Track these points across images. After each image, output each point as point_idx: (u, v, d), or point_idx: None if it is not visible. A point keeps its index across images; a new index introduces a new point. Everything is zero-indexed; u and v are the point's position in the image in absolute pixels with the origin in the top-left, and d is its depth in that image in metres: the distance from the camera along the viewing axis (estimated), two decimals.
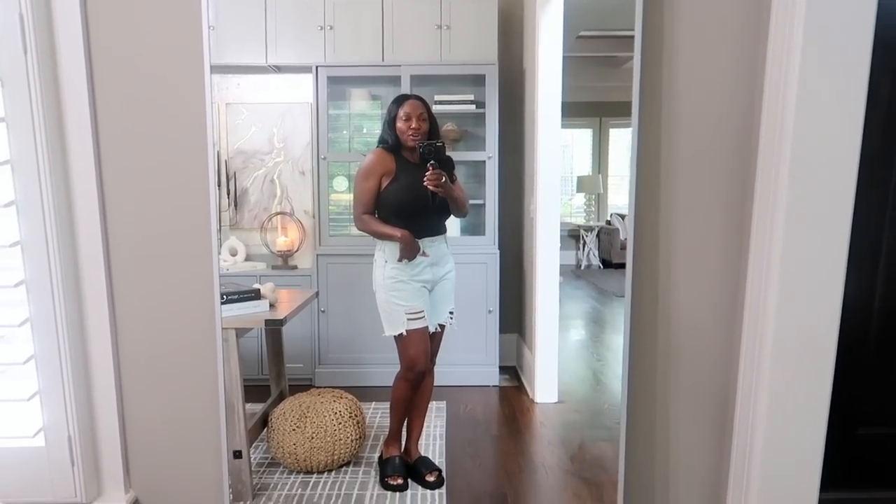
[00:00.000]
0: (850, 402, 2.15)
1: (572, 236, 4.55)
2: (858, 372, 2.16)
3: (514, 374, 3.13)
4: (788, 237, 1.41)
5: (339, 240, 2.97)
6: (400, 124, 2.38)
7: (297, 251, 2.99)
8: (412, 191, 2.34)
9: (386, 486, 2.32)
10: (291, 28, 2.91)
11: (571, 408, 2.89)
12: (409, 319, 2.36)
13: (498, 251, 2.97)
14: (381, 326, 2.41)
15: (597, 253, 4.52)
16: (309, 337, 2.93)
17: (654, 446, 1.64)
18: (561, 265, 2.86)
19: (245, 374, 2.25)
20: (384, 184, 2.38)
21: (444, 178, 2.31)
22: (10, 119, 1.52)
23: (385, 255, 2.40)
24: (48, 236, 1.55)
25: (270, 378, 2.77)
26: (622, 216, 4.64)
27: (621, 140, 5.19)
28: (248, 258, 2.96)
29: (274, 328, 2.65)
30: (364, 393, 2.66)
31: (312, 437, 2.41)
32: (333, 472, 2.44)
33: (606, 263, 4.47)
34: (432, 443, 2.63)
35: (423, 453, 2.51)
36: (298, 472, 2.43)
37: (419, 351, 2.37)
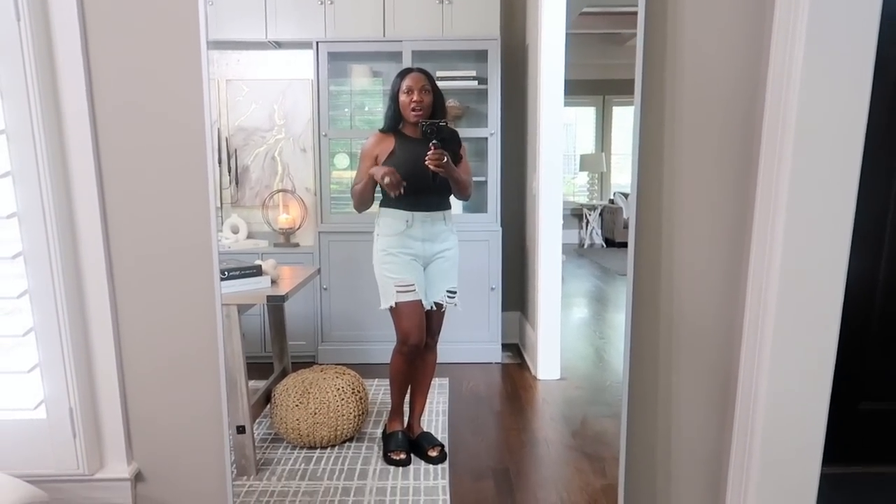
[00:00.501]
0: (853, 377, 2.15)
1: (575, 215, 4.54)
2: (861, 347, 2.16)
3: (516, 351, 3.13)
4: (792, 213, 1.40)
5: (340, 217, 2.96)
6: (402, 97, 2.36)
7: (298, 229, 2.98)
8: (410, 168, 2.32)
9: (389, 460, 2.33)
10: (291, 2, 2.88)
11: (574, 384, 2.89)
12: (398, 292, 2.36)
13: (500, 228, 2.96)
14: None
15: (600, 232, 4.51)
16: (311, 314, 2.94)
17: (655, 422, 1.64)
18: (564, 244, 2.85)
19: (248, 352, 2.26)
20: (381, 162, 2.37)
21: (445, 159, 2.28)
22: (5, 90, 1.51)
23: (379, 228, 2.40)
24: (45, 207, 1.54)
25: (273, 355, 2.78)
26: (625, 195, 4.61)
27: (625, 118, 5.16)
28: (249, 236, 2.96)
29: (276, 305, 2.65)
30: (367, 370, 2.67)
31: (315, 413, 2.42)
32: (336, 448, 2.45)
33: (609, 242, 4.47)
34: (435, 419, 2.64)
35: (425, 429, 2.52)
36: (301, 448, 2.44)
37: (411, 324, 2.37)
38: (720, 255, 1.56)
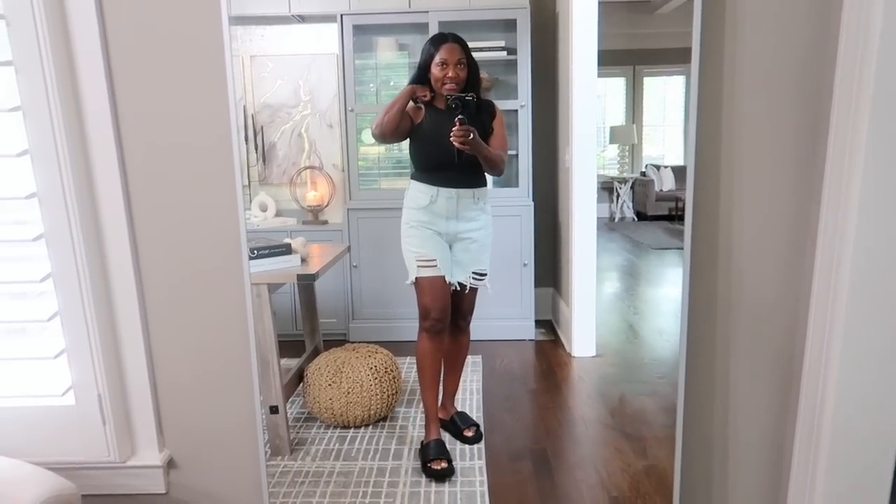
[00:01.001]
0: None
1: (605, 188, 4.44)
2: None
3: (549, 328, 3.08)
4: (868, 183, 1.29)
5: (369, 193, 2.91)
6: (435, 70, 2.19)
7: (327, 206, 2.94)
8: (437, 141, 2.19)
9: (429, 472, 2.11)
10: None
11: (609, 361, 2.83)
12: (419, 266, 2.27)
13: (532, 203, 2.89)
14: None
15: (631, 205, 4.41)
16: (342, 292, 2.90)
17: (712, 405, 1.57)
18: None
19: (279, 330, 2.23)
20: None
21: (472, 135, 2.12)
22: (18, 63, 1.46)
23: (406, 201, 2.32)
24: (65, 187, 1.48)
25: (305, 333, 2.76)
26: (658, 167, 4.51)
27: (656, 89, 5.03)
28: (278, 213, 2.92)
29: (306, 283, 2.62)
30: (398, 347, 2.63)
31: (349, 392, 2.39)
32: (370, 427, 2.43)
33: (641, 216, 4.36)
34: (469, 397, 2.60)
35: (459, 409, 2.48)
36: (335, 427, 2.42)
37: (433, 299, 2.26)
38: (784, 232, 1.47)
